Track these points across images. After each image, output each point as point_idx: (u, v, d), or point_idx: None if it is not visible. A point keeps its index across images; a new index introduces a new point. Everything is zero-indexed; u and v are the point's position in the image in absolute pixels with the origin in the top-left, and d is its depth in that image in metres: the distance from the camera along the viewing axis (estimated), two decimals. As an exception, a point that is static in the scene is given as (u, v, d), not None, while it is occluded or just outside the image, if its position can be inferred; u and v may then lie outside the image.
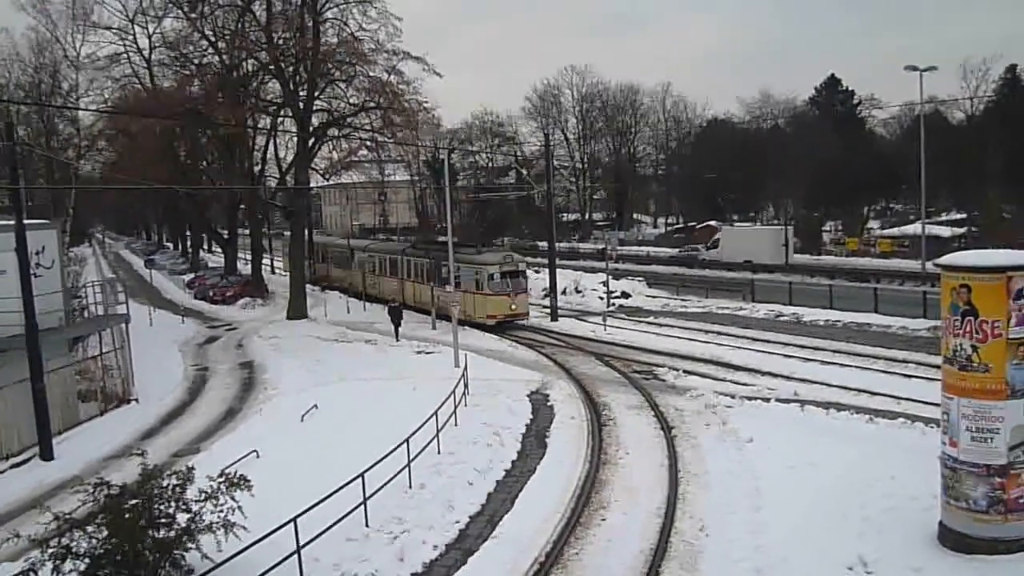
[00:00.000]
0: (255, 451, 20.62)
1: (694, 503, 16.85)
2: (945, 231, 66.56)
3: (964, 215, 74.24)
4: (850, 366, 28.14)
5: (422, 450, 19.33)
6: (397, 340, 37.74)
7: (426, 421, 20.23)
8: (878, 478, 17.03)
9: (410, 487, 18.18)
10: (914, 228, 63.60)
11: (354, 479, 16.07)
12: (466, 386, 25.61)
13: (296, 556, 14.01)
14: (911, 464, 17.16)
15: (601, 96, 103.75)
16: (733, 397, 24.47)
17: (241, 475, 14.67)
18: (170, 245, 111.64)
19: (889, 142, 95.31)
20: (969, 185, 73.63)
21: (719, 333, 35.64)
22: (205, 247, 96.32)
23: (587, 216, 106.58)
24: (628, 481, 18.38)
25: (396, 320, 38.72)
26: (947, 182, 74.28)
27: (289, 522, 13.95)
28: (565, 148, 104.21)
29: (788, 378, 26.68)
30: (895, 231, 76.23)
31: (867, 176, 76.34)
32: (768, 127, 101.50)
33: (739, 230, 76.14)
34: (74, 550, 13.38)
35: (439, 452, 20.38)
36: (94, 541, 13.41)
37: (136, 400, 28.25)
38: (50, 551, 13.35)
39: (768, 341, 33.46)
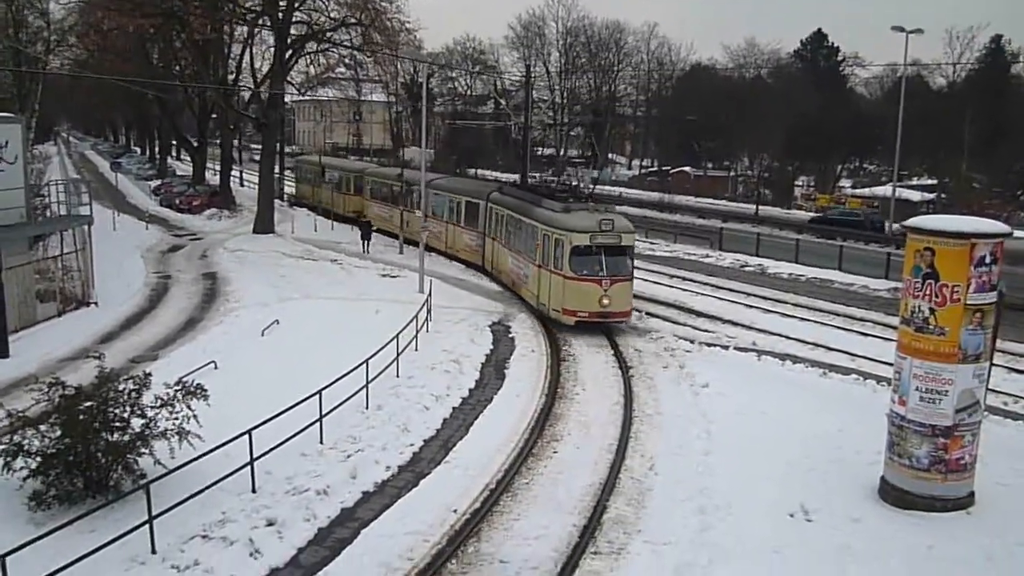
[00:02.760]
0: (214, 362, 20.59)
1: (646, 442, 17.13)
2: (915, 195, 66.98)
3: (935, 181, 74.78)
4: (809, 320, 28.52)
5: (381, 372, 19.41)
6: (367, 253, 39.58)
7: (387, 344, 20.28)
8: (826, 431, 17.42)
9: (367, 408, 18.30)
10: (885, 190, 63.93)
11: (311, 396, 16.14)
12: (429, 312, 25.65)
13: (249, 468, 14.13)
14: (859, 419, 17.58)
15: (586, 31, 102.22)
16: (692, 342, 24.75)
17: (198, 384, 14.71)
18: (138, 149, 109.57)
19: (869, 102, 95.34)
20: (943, 152, 74.02)
21: (684, 279, 35.86)
22: (174, 154, 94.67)
23: (563, 153, 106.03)
24: (583, 416, 18.61)
25: (366, 234, 40.74)
26: (922, 147, 74.46)
27: (244, 434, 14.03)
28: (546, 81, 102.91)
29: (748, 327, 27.03)
30: (866, 191, 76.65)
31: (844, 134, 76.48)
32: (751, 76, 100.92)
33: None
34: (26, 448, 13.40)
35: (398, 376, 20.48)
36: (47, 440, 13.44)
37: (96, 303, 27.98)
38: (1, 447, 13.36)
39: (731, 290, 33.74)
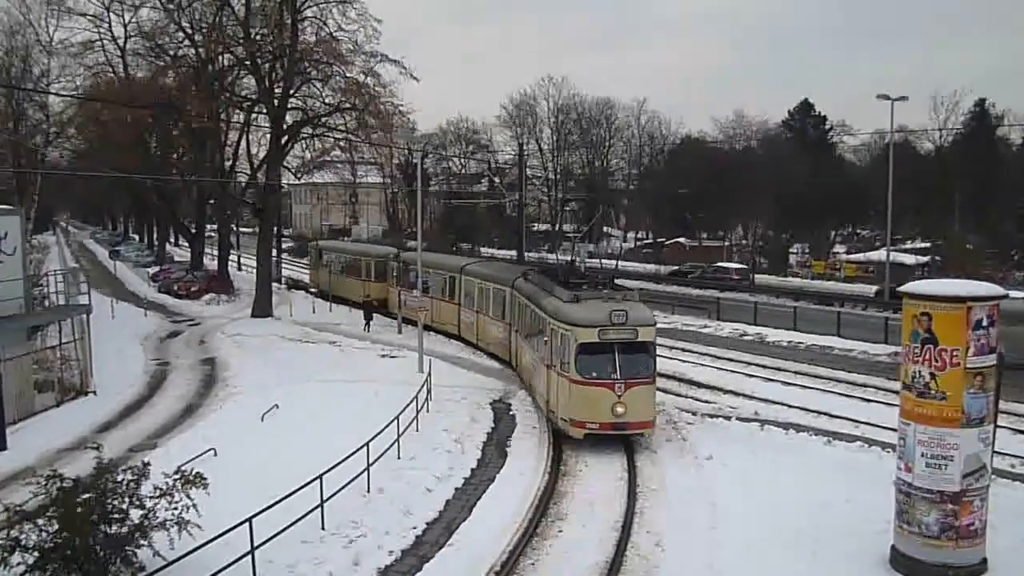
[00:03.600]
0: (213, 449, 20.42)
1: (651, 518, 16.91)
2: (909, 259, 67.46)
3: (928, 244, 75.35)
4: (811, 388, 28.44)
5: (382, 454, 19.24)
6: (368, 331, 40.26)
7: (387, 425, 20.14)
8: (833, 500, 17.22)
9: (368, 491, 18.09)
10: (879, 254, 64.44)
11: (312, 481, 15.96)
12: (429, 392, 25.54)
13: (250, 556, 13.88)
14: (867, 487, 17.37)
15: (577, 108, 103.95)
16: (694, 414, 24.63)
17: (197, 473, 14.54)
18: (136, 237, 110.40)
19: (858, 168, 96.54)
20: (934, 214, 74.82)
21: (683, 350, 35.85)
22: (172, 240, 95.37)
23: (557, 227, 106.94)
24: (586, 494, 18.42)
25: (367, 316, 41.42)
26: (913, 210, 75.36)
27: (244, 522, 13.83)
28: (539, 158, 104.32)
29: (749, 397, 26.94)
30: (860, 256, 77.20)
31: (835, 200, 77.33)
32: (741, 147, 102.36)
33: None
34: (23, 543, 13.17)
35: (399, 457, 20.31)
36: (44, 534, 13.22)
37: (94, 392, 27.89)
38: (-2, 543, 13.16)
39: (731, 360, 33.71)
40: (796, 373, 30.93)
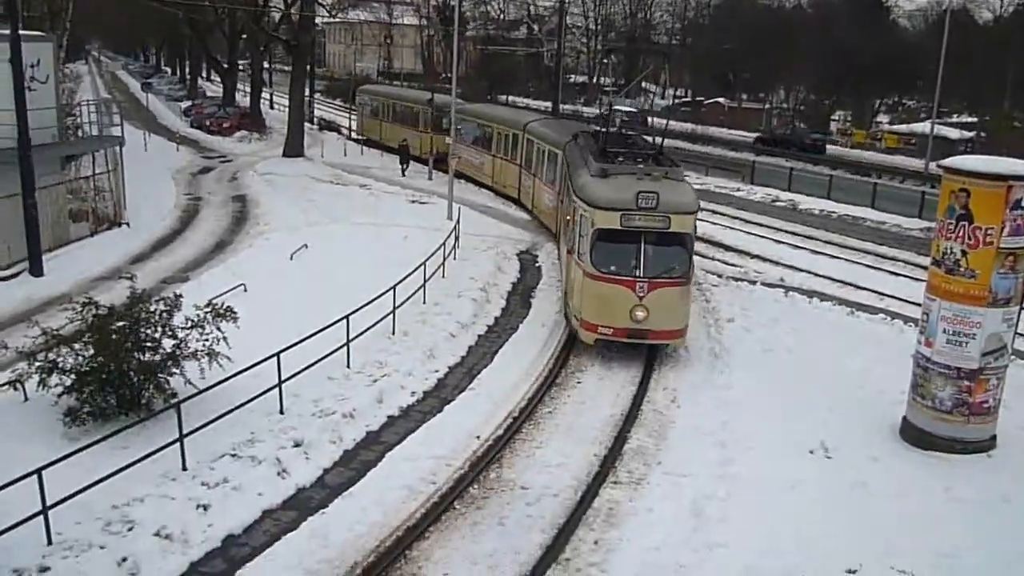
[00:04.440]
0: (243, 285, 20.79)
1: (668, 376, 17.23)
2: (954, 133, 65.57)
3: (975, 119, 73.13)
4: (839, 258, 28.27)
5: (408, 298, 19.55)
6: (404, 176, 40.30)
7: (414, 270, 20.39)
8: (851, 370, 17.43)
9: (393, 333, 18.48)
10: (923, 127, 62.63)
11: (339, 320, 16.32)
12: (457, 239, 25.68)
13: (277, 389, 14.38)
14: (885, 359, 17.56)
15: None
16: (720, 276, 24.68)
17: (228, 306, 14.89)
18: (168, 70, 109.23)
19: (912, 35, 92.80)
20: (985, 89, 72.19)
21: (714, 212, 35.51)
22: (204, 75, 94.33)
23: (595, 80, 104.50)
24: (607, 348, 18.72)
25: (404, 158, 41.31)
26: (964, 83, 72.64)
27: (272, 356, 14.26)
28: (580, 7, 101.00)
29: (776, 263, 26.88)
30: (903, 127, 75.13)
31: (884, 67, 74.60)
32: (791, 6, 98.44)
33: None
34: (60, 365, 13.70)
35: (424, 302, 20.62)
36: (80, 358, 13.71)
37: (127, 224, 28.25)
38: (37, 364, 13.68)
39: (762, 225, 33.48)
40: (826, 243, 30.70)
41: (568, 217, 20.52)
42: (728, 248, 28.81)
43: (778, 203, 39.36)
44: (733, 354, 18.29)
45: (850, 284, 24.53)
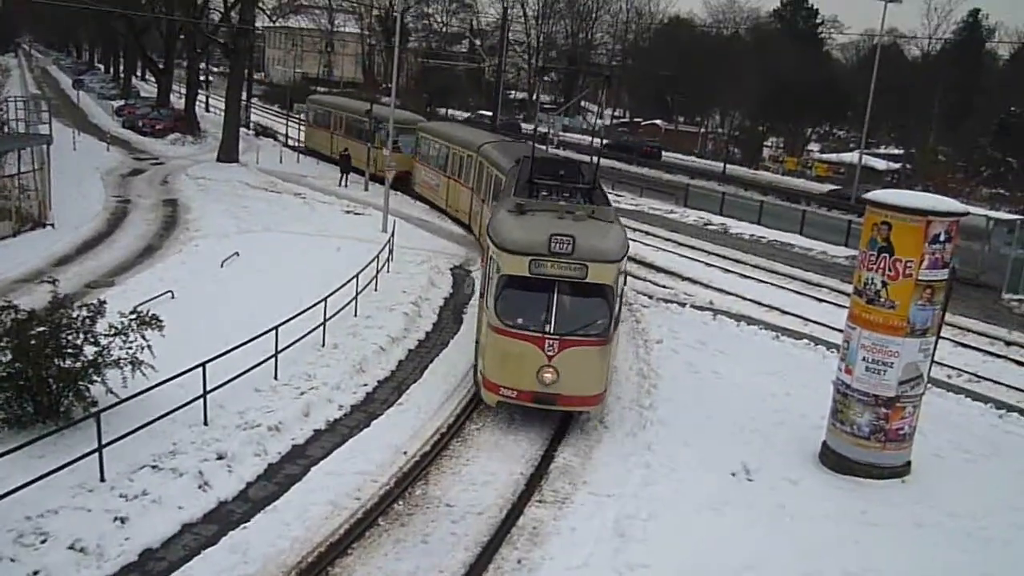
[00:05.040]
0: (171, 291, 20.46)
1: (597, 396, 17.34)
2: (881, 164, 67.66)
3: (902, 151, 75.49)
4: (767, 283, 28.87)
5: (339, 311, 19.42)
6: (344, 186, 40.19)
7: (347, 282, 20.28)
8: (774, 393, 17.81)
9: (323, 346, 18.33)
10: (852, 156, 64.50)
11: (268, 331, 16.14)
12: (391, 252, 25.60)
13: (202, 400, 14.15)
14: (807, 384, 17.98)
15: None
16: (651, 297, 25.01)
17: (153, 315, 14.63)
18: (101, 67, 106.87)
19: (843, 67, 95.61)
20: (912, 122, 74.63)
21: (647, 233, 36.01)
22: (139, 74, 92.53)
23: (535, 97, 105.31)
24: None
25: (345, 168, 41.11)
26: (892, 116, 75.06)
27: (198, 366, 14.02)
28: (523, 24, 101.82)
29: (706, 286, 27.35)
30: (833, 156, 77.27)
31: (816, 97, 76.72)
32: (728, 33, 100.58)
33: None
34: (-25, 369, 13.28)
35: (356, 315, 20.50)
36: (-3, 363, 13.31)
37: (52, 225, 27.54)
38: (-50, 368, 13.24)
39: (693, 248, 34.00)
40: (754, 267, 31.34)
41: (483, 258, 18.20)
42: (659, 270, 29.21)
43: (710, 226, 40.04)
44: (660, 375, 18.52)
45: (777, 309, 25.07)
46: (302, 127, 55.06)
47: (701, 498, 13.20)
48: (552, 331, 14.89)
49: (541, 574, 11.10)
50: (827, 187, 60.70)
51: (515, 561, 11.39)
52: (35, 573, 10.21)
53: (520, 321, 15.13)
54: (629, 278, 26.39)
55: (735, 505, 13.13)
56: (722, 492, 13.52)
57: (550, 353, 14.87)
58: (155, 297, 19.31)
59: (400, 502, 12.74)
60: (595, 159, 21.92)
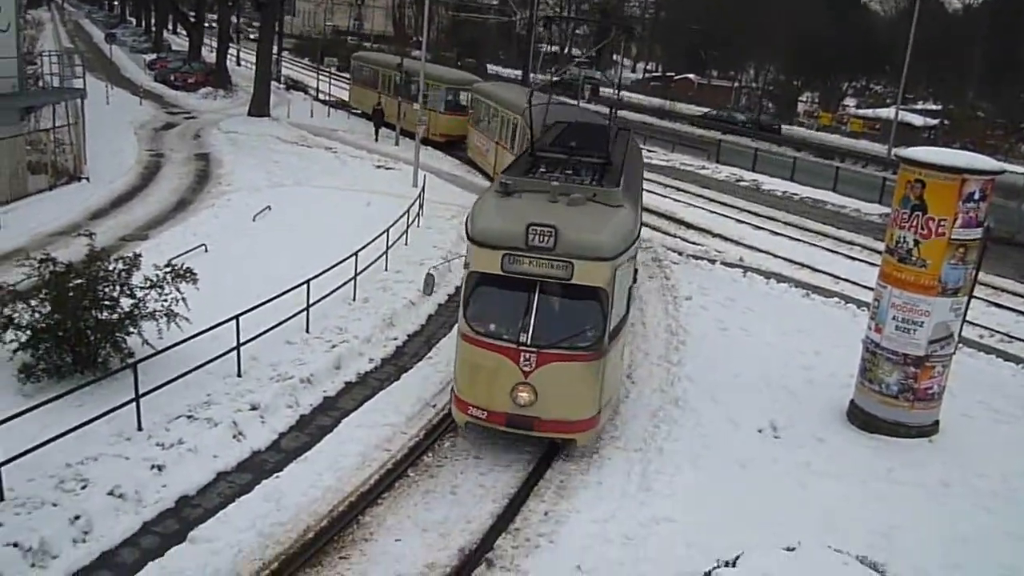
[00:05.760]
0: (204, 245, 20.70)
1: (624, 351, 17.39)
2: (918, 119, 66.48)
3: (940, 107, 74.06)
4: (798, 240, 28.70)
5: (370, 265, 19.58)
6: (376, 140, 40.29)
7: (377, 237, 20.41)
8: (803, 351, 17.78)
9: (354, 300, 18.52)
10: (888, 112, 63.41)
11: (300, 285, 16.34)
12: (421, 207, 25.66)
13: (235, 352, 14.40)
14: (837, 342, 17.94)
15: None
16: (680, 254, 24.95)
17: (188, 267, 14.84)
18: (133, 21, 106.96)
19: (881, 20, 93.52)
20: (951, 77, 73.09)
21: (678, 189, 35.86)
22: (170, 28, 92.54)
23: (567, 50, 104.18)
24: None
25: (378, 123, 41.24)
26: (930, 71, 73.52)
27: (231, 319, 14.26)
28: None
29: (737, 243, 27.24)
30: (869, 112, 75.97)
31: (853, 51, 75.28)
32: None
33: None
34: (16, 321, 13.58)
35: (386, 269, 20.66)
36: (37, 315, 13.60)
37: (87, 179, 27.86)
38: (-9, 320, 13.55)
39: (724, 204, 33.82)
40: (786, 224, 31.13)
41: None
42: (690, 226, 29.12)
43: (742, 183, 39.76)
44: (689, 332, 18.54)
45: (808, 266, 24.95)
46: (347, 86, 54.42)
47: (727, 454, 13.29)
48: (529, 342, 12.25)
49: (568, 526, 11.26)
50: (861, 143, 59.88)
51: (542, 513, 11.57)
52: (76, 518, 10.52)
53: (492, 328, 12.61)
54: (658, 234, 26.37)
55: (761, 461, 13.20)
56: (748, 448, 13.59)
57: (526, 368, 12.29)
58: (188, 251, 19.55)
59: (429, 454, 12.94)
60: (612, 122, 17.68)
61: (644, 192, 19.78)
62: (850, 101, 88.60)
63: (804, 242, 28.49)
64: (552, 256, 12.20)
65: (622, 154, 16.73)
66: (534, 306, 12.34)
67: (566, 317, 12.61)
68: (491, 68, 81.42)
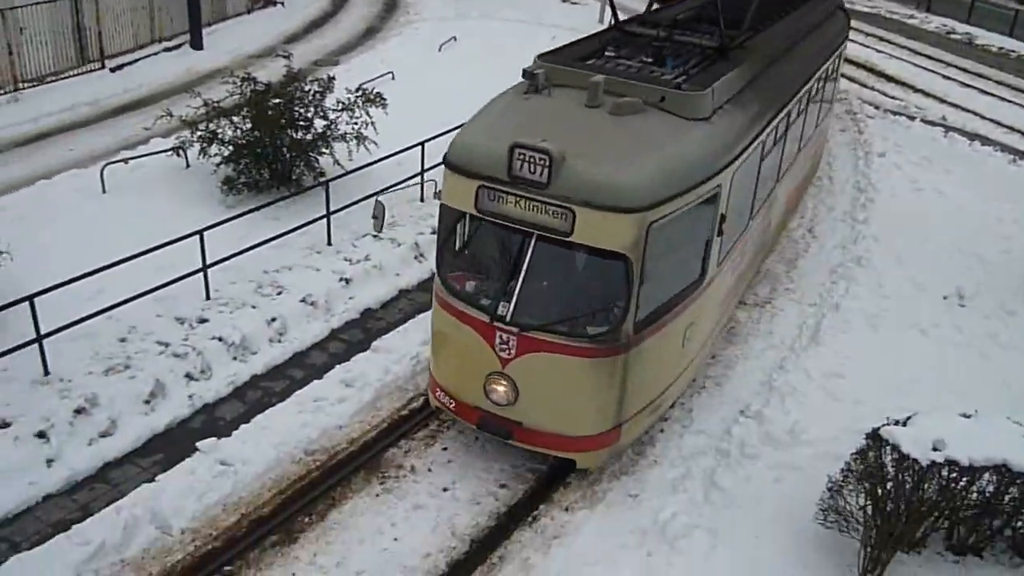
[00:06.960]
0: (391, 72, 21.06)
1: (808, 205, 16.84)
2: None
3: None
4: (1011, 102, 26.35)
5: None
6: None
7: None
8: (1002, 219, 16.74)
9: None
10: None
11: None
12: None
13: (419, 177, 14.84)
14: (1042, 213, 16.72)
15: None
16: (877, 108, 23.48)
17: (378, 92, 15.24)
18: None
19: None
20: None
21: (881, 39, 33.31)
22: None
23: None
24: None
25: None
26: None
27: (416, 145, 14.68)
28: None
29: (940, 100, 25.33)
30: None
31: None
32: None
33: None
34: (220, 136, 14.44)
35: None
36: (238, 131, 14.40)
37: (282, 3, 28.56)
38: (199, 134, 14.47)
39: (930, 57, 31.27)
40: (998, 83, 28.56)
41: None
42: (890, 79, 27.21)
43: (953, 35, 36.53)
44: (879, 190, 17.63)
45: (1018, 131, 23.02)
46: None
47: (907, 318, 12.87)
48: (509, 318, 8.40)
49: (736, 369, 11.33)
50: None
51: (709, 357, 11.65)
52: (272, 319, 11.46)
53: (464, 291, 8.94)
54: (855, 85, 24.82)
55: (943, 328, 12.73)
56: (931, 314, 13.10)
57: (504, 354, 8.55)
58: (377, 77, 19.96)
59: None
60: None
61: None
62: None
63: (1018, 105, 26.13)
64: (544, 197, 8.03)
65: (782, 38, 12.36)
66: (523, 267, 8.33)
67: (567, 288, 8.83)
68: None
